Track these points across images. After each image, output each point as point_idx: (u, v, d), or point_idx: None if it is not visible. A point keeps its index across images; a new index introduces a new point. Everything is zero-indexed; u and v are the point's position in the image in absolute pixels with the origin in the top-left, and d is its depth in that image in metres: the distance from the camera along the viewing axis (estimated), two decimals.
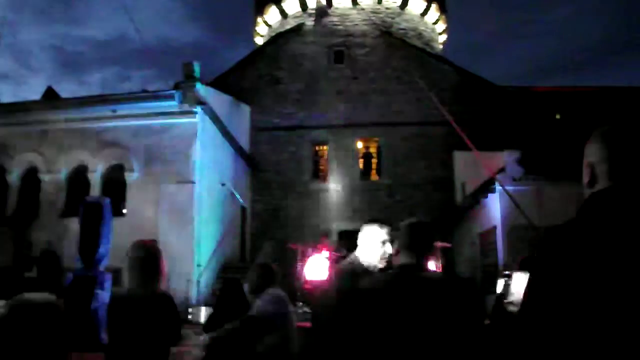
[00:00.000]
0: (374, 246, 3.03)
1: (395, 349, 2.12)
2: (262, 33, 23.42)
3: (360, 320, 2.26)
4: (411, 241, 2.40)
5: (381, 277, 2.49)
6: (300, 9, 20.97)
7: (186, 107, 12.67)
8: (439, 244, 10.82)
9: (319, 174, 19.21)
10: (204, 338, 4.11)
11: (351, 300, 2.46)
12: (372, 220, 3.25)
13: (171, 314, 2.94)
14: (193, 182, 12.44)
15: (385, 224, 3.21)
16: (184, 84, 12.82)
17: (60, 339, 1.68)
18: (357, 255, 3.16)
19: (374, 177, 19.05)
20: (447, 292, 2.25)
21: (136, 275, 2.94)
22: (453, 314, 2.16)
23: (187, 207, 12.28)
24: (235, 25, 66.65)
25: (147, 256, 2.98)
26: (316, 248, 10.33)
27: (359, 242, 3.17)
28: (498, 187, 12.08)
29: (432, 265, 10.64)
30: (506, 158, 12.48)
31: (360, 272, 2.91)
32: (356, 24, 20.02)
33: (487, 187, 12.95)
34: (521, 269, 3.76)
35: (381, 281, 2.42)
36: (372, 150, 19.16)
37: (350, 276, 2.92)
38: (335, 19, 20.22)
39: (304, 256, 10.52)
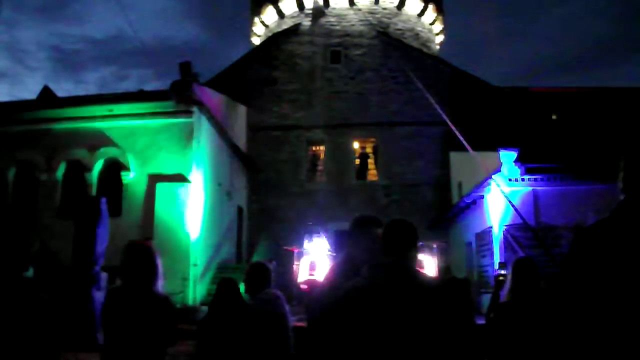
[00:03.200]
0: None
1: (369, 350, 2.12)
2: (258, 33, 23.41)
3: (340, 321, 2.25)
4: (390, 241, 2.38)
5: (361, 277, 2.45)
6: (297, 9, 20.97)
7: (182, 106, 12.66)
8: (435, 244, 10.85)
9: (315, 174, 19.23)
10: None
11: (330, 299, 2.45)
12: (363, 218, 3.22)
13: (167, 313, 2.94)
14: (189, 182, 12.43)
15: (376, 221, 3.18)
16: (181, 83, 12.80)
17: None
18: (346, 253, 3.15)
19: (371, 177, 19.08)
20: (426, 293, 2.23)
21: (131, 275, 2.94)
22: (432, 315, 2.14)
23: (184, 206, 12.27)
24: (232, 24, 66.58)
25: (142, 256, 2.97)
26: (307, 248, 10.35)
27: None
28: (494, 187, 12.11)
29: (430, 264, 10.67)
30: (502, 158, 12.51)
31: (348, 270, 2.90)
32: (353, 25, 20.04)
33: (483, 187, 12.98)
34: (516, 269, 3.77)
35: (363, 281, 2.40)
36: (369, 150, 19.19)
37: (341, 278, 2.91)
38: (332, 19, 20.24)
39: (300, 256, 10.55)
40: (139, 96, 13.47)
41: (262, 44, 21.60)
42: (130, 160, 12.72)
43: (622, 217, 1.51)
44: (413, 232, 2.43)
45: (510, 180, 12.17)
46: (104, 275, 8.68)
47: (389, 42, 19.62)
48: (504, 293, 3.86)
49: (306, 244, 11.52)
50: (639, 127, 12.16)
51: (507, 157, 12.47)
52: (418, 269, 2.44)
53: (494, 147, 12.98)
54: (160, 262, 3.00)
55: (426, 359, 2.10)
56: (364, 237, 2.90)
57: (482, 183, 12.79)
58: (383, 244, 2.38)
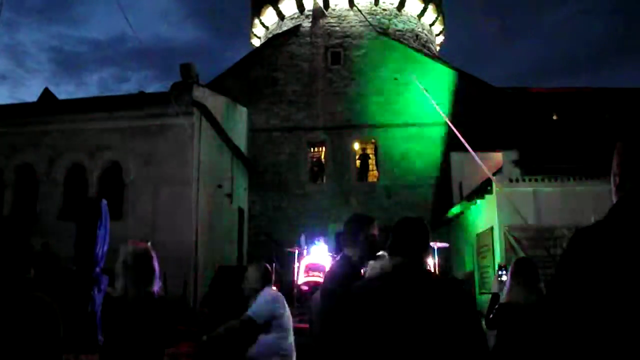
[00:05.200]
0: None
1: (387, 351, 2.09)
2: (259, 34, 23.43)
3: (351, 322, 2.21)
4: (402, 240, 2.30)
5: (374, 278, 2.42)
6: (297, 11, 20.98)
7: (183, 108, 12.65)
8: (436, 244, 10.84)
9: (316, 175, 19.23)
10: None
11: (342, 302, 2.38)
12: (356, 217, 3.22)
13: (165, 315, 2.94)
14: (190, 184, 12.43)
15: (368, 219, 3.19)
16: (181, 85, 12.81)
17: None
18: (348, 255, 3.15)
19: (371, 178, 19.07)
20: (442, 292, 2.18)
21: (129, 277, 2.94)
22: (446, 315, 2.11)
23: (184, 208, 12.26)
24: (233, 26, 66.70)
25: (139, 258, 2.97)
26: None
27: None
28: (495, 188, 12.10)
29: (430, 264, 10.67)
30: (503, 159, 12.50)
31: (351, 273, 2.89)
32: (353, 26, 20.05)
33: (483, 188, 12.97)
34: (516, 269, 3.77)
35: (373, 282, 2.37)
36: (369, 151, 19.17)
37: (342, 277, 2.89)
38: (332, 20, 20.25)
39: (301, 257, 10.54)
40: (139, 99, 13.48)
41: (263, 45, 21.60)
42: (131, 162, 12.73)
43: (620, 220, 1.41)
44: (425, 230, 2.35)
45: (510, 180, 12.15)
46: (105, 278, 8.68)
47: (389, 43, 19.62)
48: (504, 294, 3.86)
49: (307, 245, 11.50)
50: (636, 122, 12.12)
51: (508, 157, 12.46)
52: (428, 269, 2.39)
53: (495, 148, 12.98)
54: (157, 263, 3.00)
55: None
56: (357, 236, 2.90)
57: (483, 183, 12.78)
58: (393, 242, 2.31)
